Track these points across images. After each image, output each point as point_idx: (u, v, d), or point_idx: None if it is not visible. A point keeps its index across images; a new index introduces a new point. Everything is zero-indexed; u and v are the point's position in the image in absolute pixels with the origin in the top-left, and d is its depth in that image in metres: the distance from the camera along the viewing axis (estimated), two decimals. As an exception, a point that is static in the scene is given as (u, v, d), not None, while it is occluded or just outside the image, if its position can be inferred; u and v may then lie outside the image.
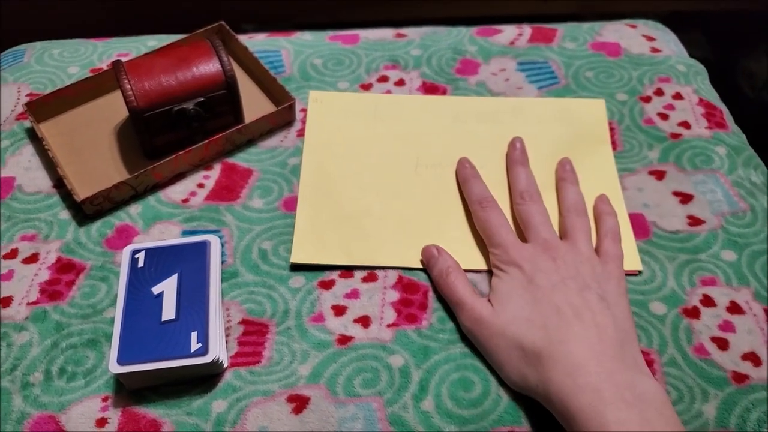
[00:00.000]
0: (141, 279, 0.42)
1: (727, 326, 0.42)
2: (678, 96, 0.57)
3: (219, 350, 0.39)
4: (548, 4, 1.01)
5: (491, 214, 0.45)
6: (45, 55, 0.61)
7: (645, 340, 0.42)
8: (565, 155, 0.52)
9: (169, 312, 0.40)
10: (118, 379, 0.39)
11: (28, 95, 0.57)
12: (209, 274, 0.42)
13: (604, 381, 0.35)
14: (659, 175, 0.51)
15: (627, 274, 0.44)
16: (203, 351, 0.38)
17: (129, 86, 0.48)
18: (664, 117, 0.55)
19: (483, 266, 0.45)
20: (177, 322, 0.40)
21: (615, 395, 0.34)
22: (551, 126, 0.54)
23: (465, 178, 0.49)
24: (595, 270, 0.41)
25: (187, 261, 0.43)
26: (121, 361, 0.38)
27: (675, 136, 0.54)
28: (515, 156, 0.51)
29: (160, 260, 0.43)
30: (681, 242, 0.47)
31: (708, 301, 0.44)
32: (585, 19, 0.68)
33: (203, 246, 0.44)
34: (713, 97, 0.58)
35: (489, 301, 0.41)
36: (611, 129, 0.54)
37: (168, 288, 0.41)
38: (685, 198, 0.49)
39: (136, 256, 0.43)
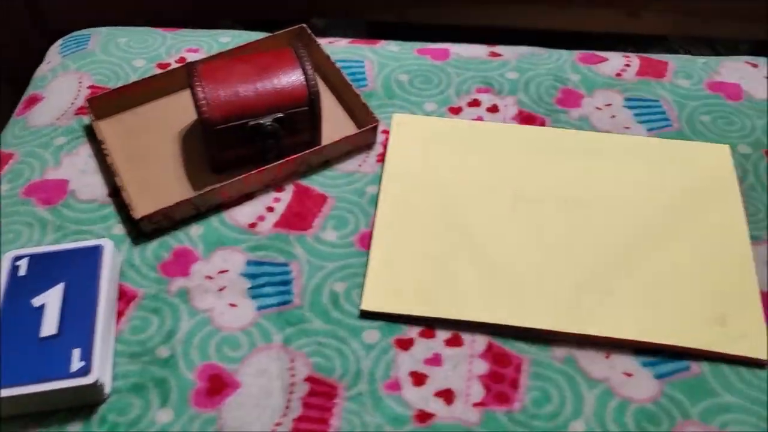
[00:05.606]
0: (22, 289, 0.37)
1: None
2: (813, 155, 0.50)
3: (104, 372, 0.34)
4: (639, 21, 0.94)
5: None
6: (111, 43, 0.56)
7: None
8: (686, 204, 0.45)
9: (50, 327, 0.36)
10: None
11: (89, 87, 0.53)
12: (100, 283, 0.38)
13: None
14: (791, 248, 0.44)
15: (751, 362, 0.38)
16: (85, 371, 0.33)
17: (203, 94, 0.43)
18: (796, 179, 0.48)
19: (604, 332, 0.39)
20: (58, 338, 0.35)
21: None
22: (669, 169, 0.48)
23: None
24: None
25: (75, 269, 0.38)
26: None
27: (810, 203, 0.47)
28: None
29: (45, 268, 0.38)
30: (819, 335, 0.40)
31: None
32: (675, 40, 0.61)
33: (95, 251, 0.39)
34: None
35: None
36: (734, 187, 0.47)
37: (51, 299, 0.37)
38: (823, 281, 0.43)
39: (17, 263, 0.39)
